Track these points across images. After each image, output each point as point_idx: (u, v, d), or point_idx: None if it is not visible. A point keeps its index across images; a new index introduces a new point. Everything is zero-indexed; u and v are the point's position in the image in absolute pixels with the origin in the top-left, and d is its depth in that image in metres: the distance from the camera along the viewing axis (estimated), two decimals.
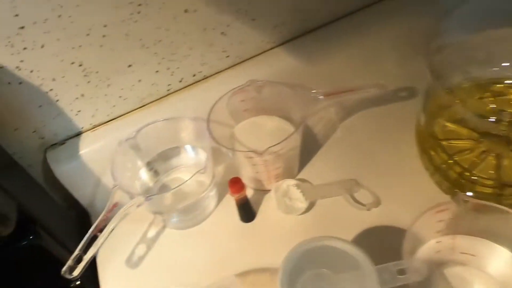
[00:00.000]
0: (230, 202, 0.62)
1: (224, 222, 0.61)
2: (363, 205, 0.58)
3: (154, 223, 0.63)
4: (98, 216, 0.65)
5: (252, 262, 0.55)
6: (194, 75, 0.65)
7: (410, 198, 0.57)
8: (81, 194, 0.64)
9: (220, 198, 0.64)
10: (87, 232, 0.64)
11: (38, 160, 0.62)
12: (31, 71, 0.53)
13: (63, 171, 0.61)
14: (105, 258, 0.60)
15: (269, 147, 0.53)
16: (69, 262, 0.47)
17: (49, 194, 0.62)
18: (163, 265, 0.58)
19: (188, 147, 0.65)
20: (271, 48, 0.68)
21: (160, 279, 0.57)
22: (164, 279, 0.57)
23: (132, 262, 0.59)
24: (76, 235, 0.64)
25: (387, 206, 0.57)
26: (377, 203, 0.58)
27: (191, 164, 0.66)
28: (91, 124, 0.63)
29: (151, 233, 0.62)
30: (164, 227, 0.62)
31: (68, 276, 0.46)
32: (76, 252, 0.48)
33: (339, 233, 0.55)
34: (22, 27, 0.49)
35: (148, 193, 0.62)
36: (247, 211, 0.59)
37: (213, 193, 0.62)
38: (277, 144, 0.54)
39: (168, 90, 0.65)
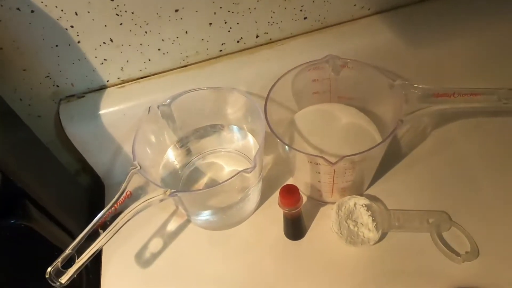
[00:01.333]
0: (275, 205, 0.48)
1: (263, 231, 0.48)
2: (456, 253, 0.42)
3: (177, 214, 0.51)
4: (113, 188, 0.55)
5: None
6: (257, 37, 0.50)
7: None
8: (97, 161, 0.53)
9: (263, 197, 0.50)
10: (98, 205, 0.55)
11: (50, 112, 0.50)
12: None
13: (77, 130, 0.49)
14: (111, 247, 0.48)
15: (346, 156, 0.38)
16: (57, 263, 0.35)
17: (54, 156, 0.50)
18: (179, 270, 0.47)
19: (233, 128, 0.51)
20: (365, 16, 0.52)
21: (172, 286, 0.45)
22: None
23: (143, 259, 0.48)
24: (85, 208, 0.53)
25: (489, 261, 0.42)
26: (474, 253, 0.42)
27: (233, 148, 0.52)
28: (118, 78, 0.50)
29: (172, 226, 0.50)
30: (188, 221, 0.50)
31: (54, 283, 0.35)
32: (67, 251, 0.36)
33: (413, 286, 0.41)
34: None
35: (174, 178, 0.50)
36: (296, 227, 0.45)
37: (256, 192, 0.48)
38: (359, 154, 0.38)
39: (221, 51, 0.50)
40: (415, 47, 0.50)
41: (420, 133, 0.53)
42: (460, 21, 0.50)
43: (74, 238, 0.38)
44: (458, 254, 0.42)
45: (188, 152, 0.51)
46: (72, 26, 0.43)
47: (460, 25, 0.50)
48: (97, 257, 0.48)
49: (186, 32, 0.47)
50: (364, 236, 0.44)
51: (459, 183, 0.48)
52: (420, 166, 0.50)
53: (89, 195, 0.55)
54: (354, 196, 0.46)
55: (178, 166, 0.51)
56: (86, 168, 0.57)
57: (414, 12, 0.51)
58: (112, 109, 0.49)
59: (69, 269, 0.35)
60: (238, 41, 0.50)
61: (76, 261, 0.36)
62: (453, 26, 0.50)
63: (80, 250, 0.37)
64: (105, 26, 0.44)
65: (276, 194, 0.50)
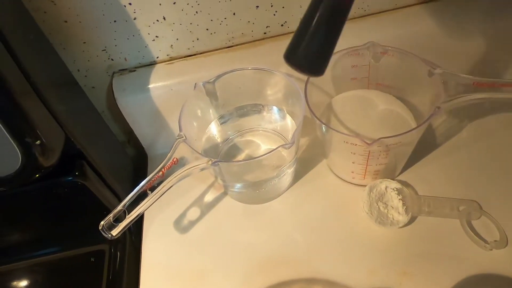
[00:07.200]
0: (307, 185, 0.51)
1: (295, 208, 0.50)
2: (484, 241, 0.43)
3: (215, 186, 0.54)
4: (156, 160, 0.59)
5: (319, 269, 0.45)
6: None
7: None
8: (143, 132, 0.56)
9: (297, 176, 0.52)
10: (140, 174, 0.59)
11: (104, 84, 0.54)
12: None
13: (128, 102, 0.52)
14: (152, 213, 0.52)
15: (383, 137, 0.40)
16: (110, 218, 0.39)
17: (106, 125, 0.54)
18: (213, 238, 0.49)
19: (272, 108, 0.53)
20: (408, 6, 0.52)
21: (206, 253, 0.48)
22: (212, 255, 0.48)
23: (181, 226, 0.51)
24: (130, 176, 0.57)
25: None
26: (503, 242, 0.43)
27: (271, 128, 0.54)
28: (168, 55, 0.53)
29: (209, 197, 0.53)
30: (225, 193, 0.53)
31: (106, 234, 0.38)
32: (119, 207, 0.39)
33: (440, 269, 0.42)
34: None
35: (214, 151, 0.53)
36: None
37: (290, 170, 0.50)
38: (395, 136, 0.40)
39: (265, 33, 0.52)
40: (457, 38, 0.50)
41: (456, 124, 0.53)
42: (504, 14, 0.50)
43: (120, 201, 0.42)
44: (486, 242, 0.43)
45: (229, 129, 0.54)
46: (130, 3, 0.46)
47: (504, 18, 0.50)
48: (139, 222, 0.52)
49: (234, 14, 0.49)
50: (393, 219, 0.45)
51: (494, 175, 0.48)
52: (454, 156, 0.51)
53: (133, 165, 0.59)
54: (386, 179, 0.47)
55: (218, 141, 0.53)
56: (131, 140, 0.61)
57: (457, 3, 0.51)
58: (160, 83, 0.52)
59: (119, 224, 0.39)
60: (282, 25, 0.52)
61: (126, 217, 0.39)
62: (494, 19, 0.50)
63: (128, 209, 0.41)
64: (160, 4, 0.47)
65: (309, 175, 0.52)
